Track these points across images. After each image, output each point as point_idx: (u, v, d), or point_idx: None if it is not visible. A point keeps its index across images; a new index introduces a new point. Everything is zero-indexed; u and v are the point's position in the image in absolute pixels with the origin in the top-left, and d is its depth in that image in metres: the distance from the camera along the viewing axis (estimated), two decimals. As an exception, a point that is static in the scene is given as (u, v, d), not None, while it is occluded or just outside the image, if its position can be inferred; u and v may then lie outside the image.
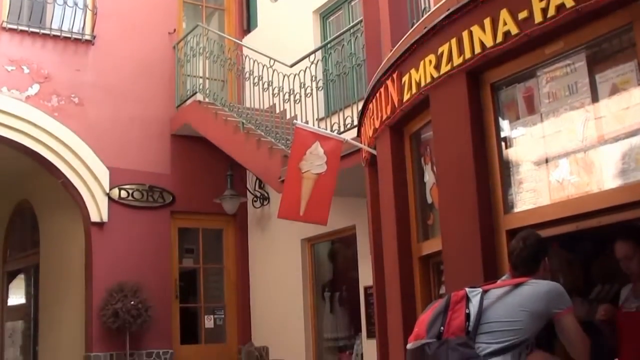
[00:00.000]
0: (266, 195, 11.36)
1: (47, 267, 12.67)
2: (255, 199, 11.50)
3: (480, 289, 3.80)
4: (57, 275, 12.21)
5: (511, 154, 4.61)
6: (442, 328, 3.70)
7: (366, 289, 9.23)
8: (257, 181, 11.40)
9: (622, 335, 4.29)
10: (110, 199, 10.80)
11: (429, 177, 5.46)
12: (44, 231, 12.91)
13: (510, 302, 3.72)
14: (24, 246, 13.83)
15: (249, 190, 11.59)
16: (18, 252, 14.10)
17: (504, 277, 4.00)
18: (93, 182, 10.70)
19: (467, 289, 3.80)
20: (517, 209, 4.49)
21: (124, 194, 10.94)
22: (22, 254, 13.86)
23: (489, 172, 4.59)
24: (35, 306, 13.13)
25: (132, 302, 10.27)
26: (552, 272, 4.22)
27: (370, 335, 9.04)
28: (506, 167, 4.59)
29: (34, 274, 13.37)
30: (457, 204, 4.75)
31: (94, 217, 10.66)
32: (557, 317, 3.70)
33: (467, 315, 3.70)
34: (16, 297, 14.38)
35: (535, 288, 3.72)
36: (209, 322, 11.71)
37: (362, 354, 9.53)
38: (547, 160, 4.36)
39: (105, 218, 10.71)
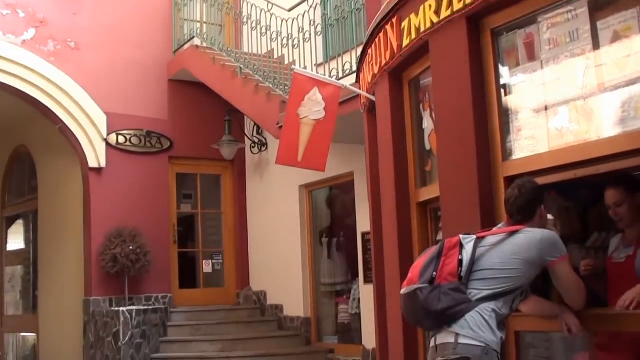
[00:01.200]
0: (264, 141, 11.34)
1: (46, 213, 12.70)
2: (253, 144, 11.48)
3: (474, 236, 3.81)
4: (55, 220, 12.25)
5: (510, 100, 4.57)
6: (434, 273, 3.72)
7: (364, 234, 9.28)
8: (255, 127, 11.36)
9: (610, 286, 4.28)
10: (108, 144, 10.79)
11: (428, 124, 5.43)
12: (42, 177, 12.91)
13: (505, 250, 3.74)
14: (22, 192, 13.84)
15: (247, 136, 11.57)
16: (16, 197, 14.12)
17: (500, 225, 4.01)
18: (90, 128, 10.67)
19: (461, 236, 3.82)
20: (515, 156, 4.47)
21: (121, 139, 10.92)
22: (21, 200, 13.88)
23: (488, 119, 4.56)
24: (35, 251, 13.20)
25: (131, 247, 10.33)
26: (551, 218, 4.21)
27: (367, 280, 9.11)
28: (505, 114, 4.55)
29: (33, 219, 13.42)
30: (455, 150, 4.73)
31: (92, 163, 10.66)
32: (551, 265, 3.71)
33: (460, 262, 3.72)
34: (15, 242, 14.44)
35: (529, 236, 3.73)
36: (207, 267, 11.80)
37: (359, 299, 9.63)
38: (546, 108, 4.32)
39: (103, 164, 10.71)
